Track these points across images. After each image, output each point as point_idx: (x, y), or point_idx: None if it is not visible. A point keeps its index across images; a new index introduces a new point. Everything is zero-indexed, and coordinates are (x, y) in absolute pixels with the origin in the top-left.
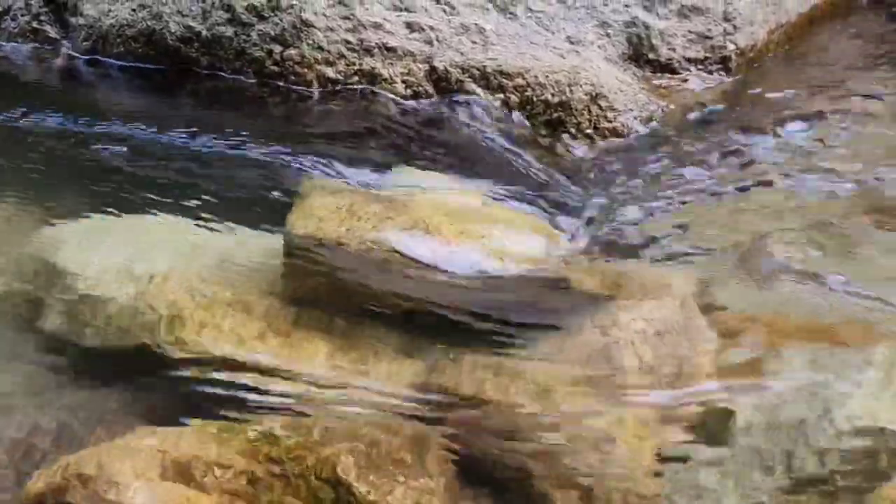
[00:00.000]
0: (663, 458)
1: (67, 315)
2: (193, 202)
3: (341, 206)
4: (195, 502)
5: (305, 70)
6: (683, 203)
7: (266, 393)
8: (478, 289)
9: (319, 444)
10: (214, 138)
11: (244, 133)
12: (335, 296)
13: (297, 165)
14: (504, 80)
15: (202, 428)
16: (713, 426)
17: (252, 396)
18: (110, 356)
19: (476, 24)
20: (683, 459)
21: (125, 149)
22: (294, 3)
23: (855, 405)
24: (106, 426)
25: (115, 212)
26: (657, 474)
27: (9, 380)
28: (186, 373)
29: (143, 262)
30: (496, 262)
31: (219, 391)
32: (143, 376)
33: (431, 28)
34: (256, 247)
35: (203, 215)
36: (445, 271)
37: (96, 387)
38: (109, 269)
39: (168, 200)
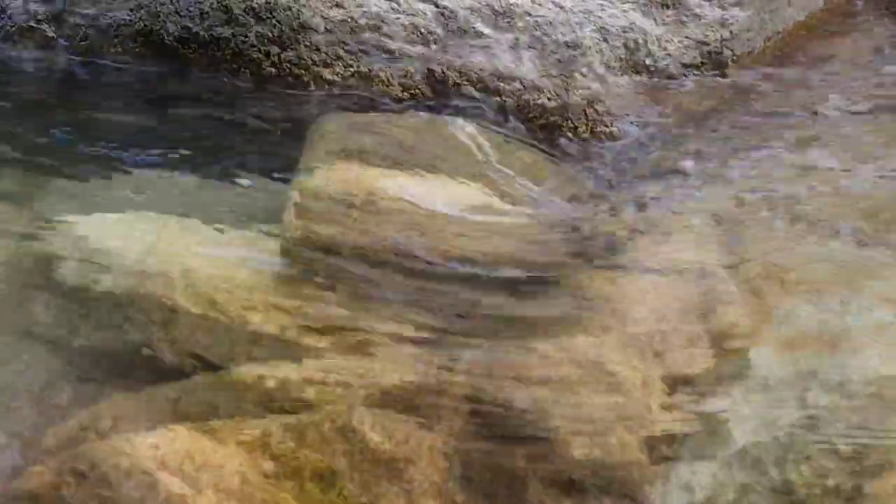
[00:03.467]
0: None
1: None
2: (192, 203)
3: (335, 207)
4: (192, 498)
5: (302, 72)
6: (680, 208)
7: (274, 356)
8: (490, 238)
9: (312, 447)
10: (212, 140)
11: (242, 134)
12: (344, 250)
13: (294, 167)
14: (501, 84)
15: (198, 426)
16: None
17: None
18: (105, 357)
19: (474, 29)
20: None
21: (118, 149)
22: (292, 5)
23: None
24: (100, 422)
25: (108, 212)
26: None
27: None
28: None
29: (138, 262)
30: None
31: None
32: (138, 377)
33: (429, 31)
34: (253, 247)
35: (201, 218)
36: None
37: (89, 387)
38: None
39: (166, 201)
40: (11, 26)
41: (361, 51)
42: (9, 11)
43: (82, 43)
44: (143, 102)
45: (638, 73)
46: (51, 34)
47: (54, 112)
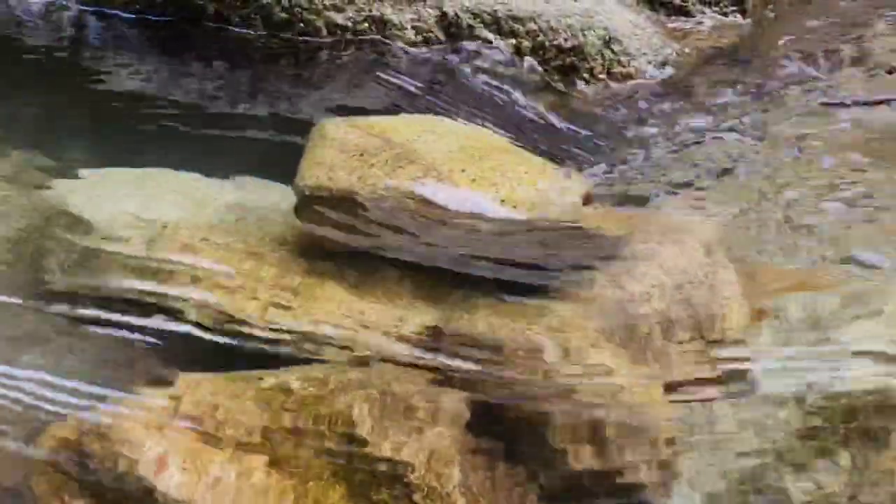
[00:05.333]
0: (680, 406)
1: (77, 267)
2: (203, 155)
3: (352, 153)
4: (209, 455)
5: (314, 17)
6: (698, 150)
7: (279, 343)
8: (492, 235)
9: (333, 395)
10: (223, 92)
11: (254, 85)
12: (348, 245)
13: (307, 115)
14: (516, 25)
15: (215, 380)
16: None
17: (265, 347)
18: (120, 308)
19: None
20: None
21: (133, 102)
22: None
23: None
24: (118, 379)
25: (124, 165)
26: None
27: (18, 332)
28: (198, 325)
29: (153, 214)
30: (509, 209)
31: (231, 343)
32: (153, 329)
33: None
34: (267, 198)
35: (213, 168)
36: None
37: (107, 340)
38: (118, 220)
39: (177, 154)
40: None
41: None
42: None
43: None
44: (153, 54)
45: (655, 10)
46: None
47: (62, 63)
